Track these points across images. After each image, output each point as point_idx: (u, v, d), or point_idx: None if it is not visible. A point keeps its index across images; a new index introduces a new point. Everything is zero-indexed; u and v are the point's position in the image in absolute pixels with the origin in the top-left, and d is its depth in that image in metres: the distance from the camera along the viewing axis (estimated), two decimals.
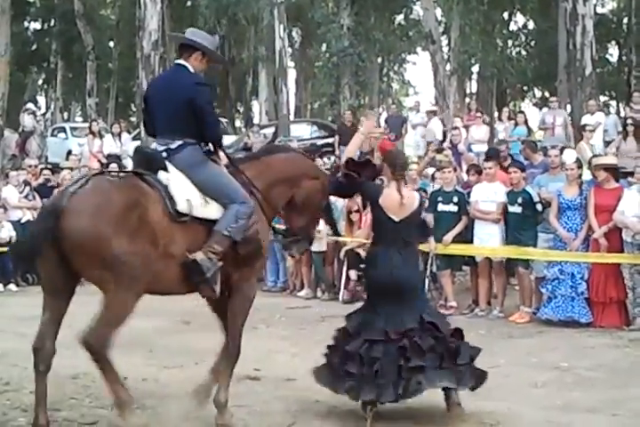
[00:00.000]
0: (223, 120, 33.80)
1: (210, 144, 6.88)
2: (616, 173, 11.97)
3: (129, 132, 22.97)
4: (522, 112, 20.40)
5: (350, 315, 7.35)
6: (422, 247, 12.75)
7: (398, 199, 7.09)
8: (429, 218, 12.73)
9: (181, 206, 6.44)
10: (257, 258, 6.81)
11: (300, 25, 42.83)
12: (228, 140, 26.12)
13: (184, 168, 6.64)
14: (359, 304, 13.15)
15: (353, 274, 13.72)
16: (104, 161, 19.77)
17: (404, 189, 7.21)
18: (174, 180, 6.57)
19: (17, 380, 8.11)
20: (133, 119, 40.65)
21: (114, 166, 18.44)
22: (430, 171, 15.15)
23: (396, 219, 7.09)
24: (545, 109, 19.97)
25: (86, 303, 11.46)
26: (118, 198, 6.08)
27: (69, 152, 24.39)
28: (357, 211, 14.00)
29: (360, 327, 7.09)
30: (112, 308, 6.56)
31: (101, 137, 21.00)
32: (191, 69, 6.84)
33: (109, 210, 6.00)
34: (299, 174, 7.06)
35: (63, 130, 30.58)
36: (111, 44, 45.00)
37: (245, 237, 6.64)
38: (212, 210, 6.64)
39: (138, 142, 24.68)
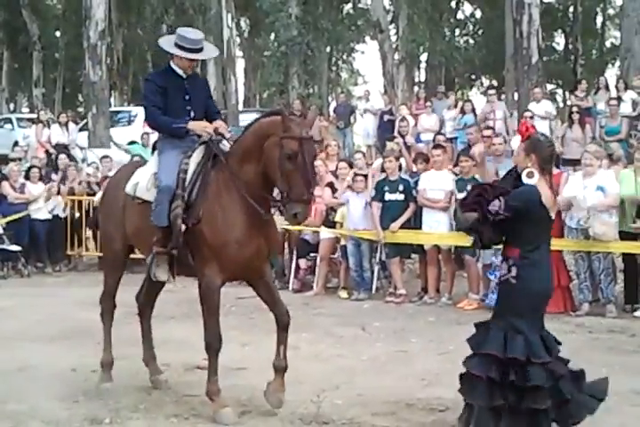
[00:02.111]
0: None
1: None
2: (557, 159, 12.12)
3: (76, 123, 22.76)
4: (469, 101, 20.49)
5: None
6: (370, 236, 12.86)
7: (552, 196, 6.18)
8: (375, 206, 12.81)
9: (127, 189, 7.35)
10: (201, 244, 6.83)
11: (248, 14, 42.76)
12: None
13: (157, 153, 7.45)
14: (309, 293, 13.35)
15: (302, 263, 13.75)
16: (52, 151, 19.58)
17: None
18: (148, 164, 7.49)
19: None
20: (80, 110, 40.30)
21: (62, 156, 18.35)
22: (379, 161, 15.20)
23: (553, 217, 6.27)
24: (484, 103, 20.00)
25: (31, 296, 11.36)
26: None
27: (16, 143, 24.16)
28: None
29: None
30: None
31: (49, 127, 20.78)
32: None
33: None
34: (260, 141, 6.77)
35: (9, 121, 30.31)
36: (57, 33, 44.58)
37: (174, 222, 6.87)
38: (151, 193, 7.13)
39: (85, 133, 24.61)
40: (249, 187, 6.80)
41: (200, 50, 7.38)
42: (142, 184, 7.25)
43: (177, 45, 7.29)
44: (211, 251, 6.79)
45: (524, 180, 6.06)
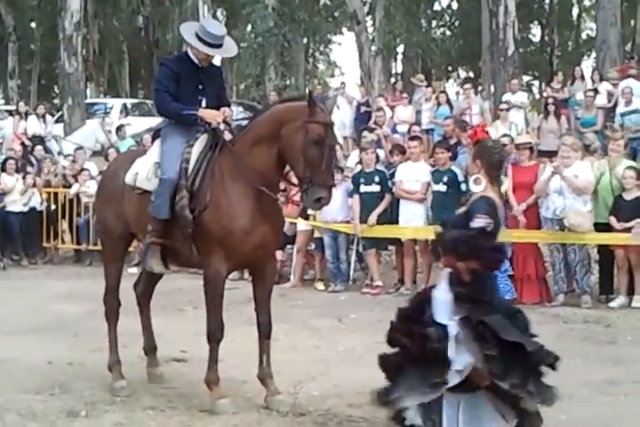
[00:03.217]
0: (148, 102, 33.55)
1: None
2: (532, 151, 12.19)
3: (52, 115, 22.65)
4: (443, 92, 20.42)
5: None
6: (347, 229, 12.87)
7: (501, 205, 5.88)
8: (354, 200, 12.83)
9: (127, 179, 7.26)
10: (206, 233, 6.78)
11: (225, 5, 42.55)
12: (153, 121, 25.95)
13: (159, 142, 7.37)
14: (286, 285, 13.35)
15: (279, 255, 13.72)
16: (27, 143, 19.48)
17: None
18: (148, 153, 7.43)
19: None
20: (56, 101, 40.07)
21: (38, 148, 18.27)
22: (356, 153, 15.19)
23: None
24: (461, 97, 19.93)
25: (7, 289, 11.32)
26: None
27: None
28: (284, 190, 13.96)
29: None
30: None
31: (26, 118, 20.65)
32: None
33: None
34: (277, 126, 6.70)
35: None
36: (33, 24, 44.20)
37: (180, 214, 6.81)
38: (152, 183, 7.07)
39: (61, 125, 24.49)
40: (260, 173, 6.76)
41: (219, 46, 7.28)
42: (142, 174, 7.18)
43: (197, 36, 7.21)
44: (216, 239, 6.73)
45: (471, 187, 5.88)
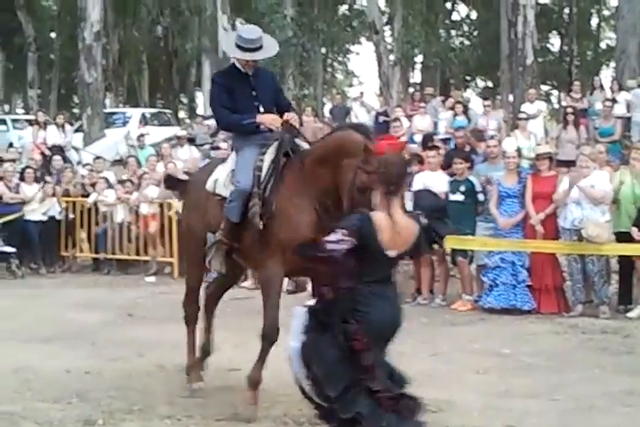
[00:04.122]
0: (167, 112, 33.68)
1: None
2: (552, 160, 12.16)
3: (71, 124, 22.73)
4: (460, 102, 20.33)
5: None
6: None
7: (389, 224, 5.43)
8: None
9: (208, 185, 7.45)
10: (269, 238, 6.85)
11: (244, 15, 42.62)
12: (171, 131, 26.04)
13: (234, 151, 7.59)
14: (303, 295, 13.31)
15: None
16: (47, 153, 19.54)
17: (397, 211, 5.52)
18: (227, 161, 7.57)
19: None
20: (76, 111, 40.28)
21: (57, 158, 18.33)
22: None
23: (392, 254, 5.48)
24: (479, 111, 19.70)
25: (25, 297, 11.37)
26: None
27: (10, 144, 24.13)
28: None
29: None
30: None
31: (45, 128, 20.72)
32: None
33: None
34: (341, 156, 6.54)
35: (4, 122, 30.29)
36: (52, 34, 44.46)
37: (252, 220, 6.92)
38: (228, 190, 7.23)
39: (80, 134, 24.59)
40: (318, 192, 6.75)
41: (258, 48, 7.31)
42: (220, 181, 7.36)
43: (236, 45, 7.29)
44: (278, 246, 6.80)
45: (398, 206, 5.55)
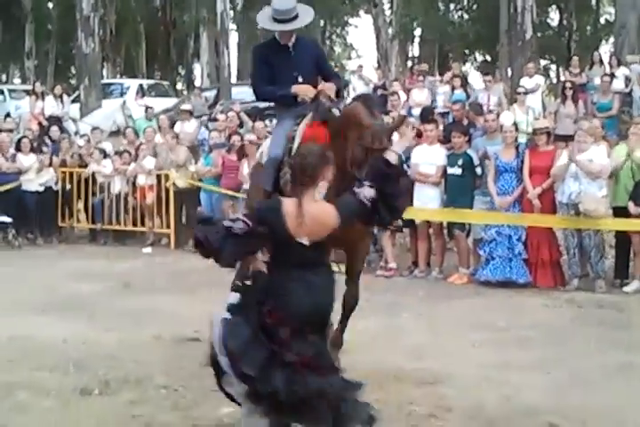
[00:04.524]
0: (164, 83, 33.55)
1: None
2: (550, 135, 12.13)
3: (69, 95, 22.67)
4: (458, 76, 20.23)
5: None
6: None
7: (296, 215, 5.17)
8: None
9: (257, 157, 7.88)
10: None
11: None
12: (169, 102, 25.97)
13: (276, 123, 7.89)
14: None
15: None
16: (45, 123, 19.49)
17: (310, 201, 5.23)
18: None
19: None
20: (73, 82, 40.12)
21: (54, 128, 18.28)
22: None
23: (305, 242, 5.23)
24: (480, 86, 19.56)
25: (22, 267, 11.35)
26: None
27: (7, 114, 24.05)
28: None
29: None
30: None
31: (43, 99, 20.65)
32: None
33: None
34: (343, 125, 6.49)
35: (1, 92, 30.20)
36: (50, 5, 44.21)
37: (282, 187, 6.97)
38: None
39: (77, 105, 24.51)
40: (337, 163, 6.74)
41: (292, 19, 7.30)
42: (263, 152, 7.61)
43: (272, 18, 7.31)
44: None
45: (316, 194, 5.30)
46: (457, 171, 12.13)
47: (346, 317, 7.21)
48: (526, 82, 18.69)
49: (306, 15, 7.47)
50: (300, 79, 7.33)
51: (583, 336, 8.79)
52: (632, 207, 11.19)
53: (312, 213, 5.15)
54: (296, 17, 7.32)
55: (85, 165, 16.28)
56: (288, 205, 5.21)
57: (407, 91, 20.06)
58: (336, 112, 7.02)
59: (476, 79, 21.05)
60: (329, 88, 7.22)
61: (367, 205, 5.26)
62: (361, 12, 44.91)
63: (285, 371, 5.16)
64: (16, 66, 49.50)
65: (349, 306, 7.18)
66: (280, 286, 5.26)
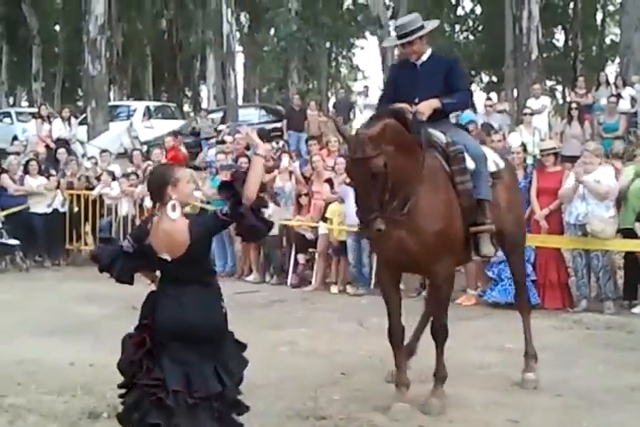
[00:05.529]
0: (171, 105, 33.67)
1: None
2: (557, 156, 12.13)
3: (76, 117, 22.76)
4: None
5: None
6: None
7: (155, 231, 5.32)
8: None
9: None
10: None
11: (248, 9, 42.63)
12: (175, 124, 26.05)
13: None
14: (307, 288, 13.35)
15: (301, 258, 13.74)
16: (52, 145, 19.54)
17: (165, 218, 5.26)
18: None
19: None
20: (80, 104, 40.28)
21: (62, 151, 18.33)
22: None
23: (167, 258, 5.29)
24: (481, 111, 19.44)
25: (30, 290, 11.32)
26: None
27: (15, 137, 24.15)
28: (307, 194, 13.98)
29: None
30: None
31: (50, 121, 20.71)
32: None
33: None
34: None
35: (8, 115, 30.33)
36: (57, 27, 44.48)
37: None
38: None
39: (84, 127, 24.60)
40: None
41: (411, 32, 7.21)
42: None
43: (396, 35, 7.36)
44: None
45: (168, 213, 5.28)
46: None
47: (436, 347, 7.35)
48: (532, 103, 18.71)
49: (428, 25, 7.41)
50: (417, 100, 7.07)
51: (592, 358, 8.75)
52: (639, 228, 11.18)
53: (164, 229, 5.28)
54: (418, 29, 7.24)
55: (93, 188, 16.30)
56: (154, 222, 5.38)
57: None
58: (434, 132, 7.02)
59: (478, 102, 20.81)
60: (424, 106, 6.97)
61: (222, 218, 5.30)
62: (367, 34, 45.06)
63: (135, 393, 5.35)
64: (23, 88, 49.76)
65: (434, 335, 7.41)
66: (156, 302, 5.43)
